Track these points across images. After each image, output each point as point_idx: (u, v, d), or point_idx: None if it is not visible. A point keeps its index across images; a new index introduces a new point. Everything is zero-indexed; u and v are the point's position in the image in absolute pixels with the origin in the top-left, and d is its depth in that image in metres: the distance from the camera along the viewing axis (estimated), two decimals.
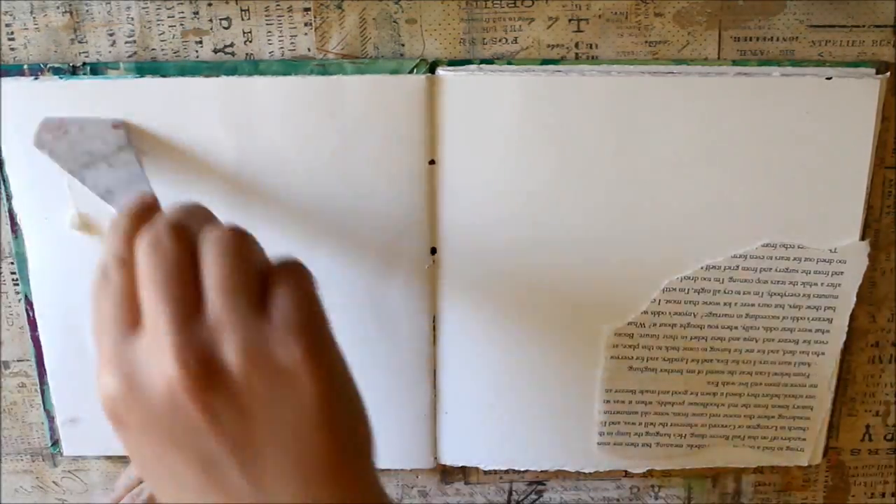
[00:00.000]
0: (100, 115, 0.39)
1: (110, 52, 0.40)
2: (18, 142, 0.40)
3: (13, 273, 0.43)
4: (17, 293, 0.44)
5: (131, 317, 0.29)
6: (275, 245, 0.41)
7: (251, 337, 0.28)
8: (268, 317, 0.28)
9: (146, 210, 0.32)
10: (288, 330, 0.28)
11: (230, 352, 0.27)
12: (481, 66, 0.40)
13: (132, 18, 0.40)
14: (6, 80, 0.39)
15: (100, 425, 0.44)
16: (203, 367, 0.27)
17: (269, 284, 0.29)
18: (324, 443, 0.28)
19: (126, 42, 0.40)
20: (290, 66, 0.40)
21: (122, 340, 0.29)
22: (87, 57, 0.40)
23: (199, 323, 0.28)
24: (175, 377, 0.27)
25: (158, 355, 0.28)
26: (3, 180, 0.41)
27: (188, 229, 0.30)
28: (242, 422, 0.28)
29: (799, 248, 0.41)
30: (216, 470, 0.28)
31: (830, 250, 0.41)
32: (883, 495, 0.47)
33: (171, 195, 0.40)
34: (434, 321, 0.43)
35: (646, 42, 0.40)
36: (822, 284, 0.42)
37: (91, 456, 0.47)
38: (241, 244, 0.30)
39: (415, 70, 0.40)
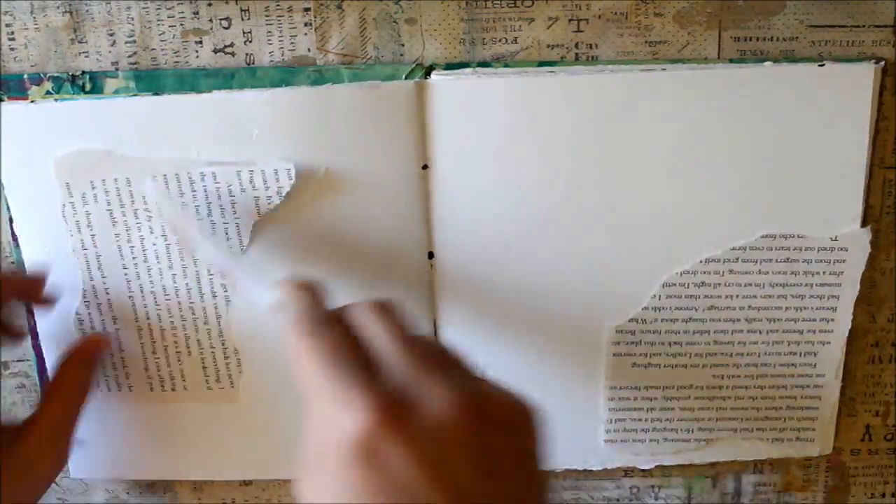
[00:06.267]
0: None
1: (110, 52, 0.40)
2: (18, 165, 0.40)
3: None
4: None
5: (365, 361, 0.31)
6: (273, 257, 0.41)
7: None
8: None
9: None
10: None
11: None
12: (475, 69, 0.40)
13: (132, 18, 0.40)
14: (6, 105, 0.40)
15: (106, 448, 0.44)
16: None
17: None
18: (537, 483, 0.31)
19: (126, 42, 0.40)
20: (287, 72, 0.40)
21: (368, 380, 0.30)
22: (86, 57, 0.40)
23: None
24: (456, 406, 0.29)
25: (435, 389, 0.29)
26: (4, 202, 0.41)
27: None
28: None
29: (799, 237, 0.41)
30: None
31: (831, 238, 0.41)
32: (883, 495, 0.47)
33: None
34: (434, 325, 0.43)
35: (646, 42, 0.40)
36: (824, 273, 0.42)
37: (98, 480, 0.47)
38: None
39: (410, 75, 0.40)
